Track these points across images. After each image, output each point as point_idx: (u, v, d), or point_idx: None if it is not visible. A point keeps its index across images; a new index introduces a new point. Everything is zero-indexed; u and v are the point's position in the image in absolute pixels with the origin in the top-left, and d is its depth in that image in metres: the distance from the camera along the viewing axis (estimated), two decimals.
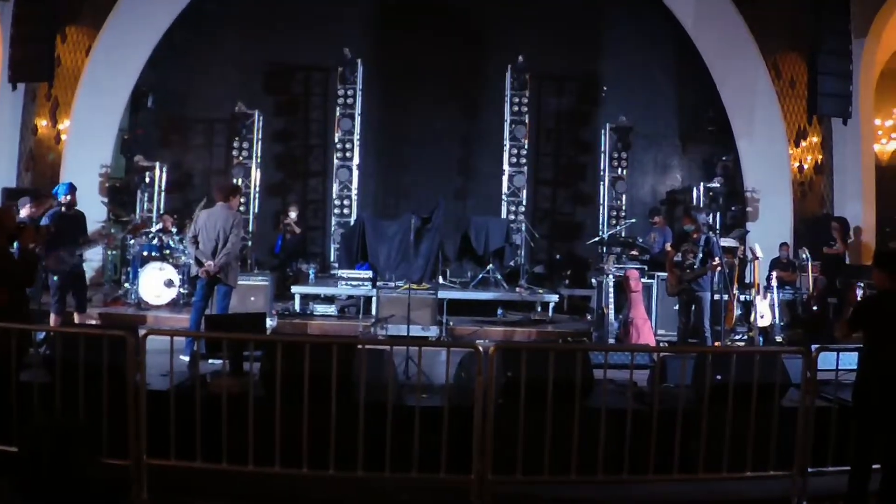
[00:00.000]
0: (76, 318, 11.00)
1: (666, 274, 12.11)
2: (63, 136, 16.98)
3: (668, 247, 12.40)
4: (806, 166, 17.51)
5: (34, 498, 6.20)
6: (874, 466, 6.42)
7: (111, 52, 16.73)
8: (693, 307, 11.21)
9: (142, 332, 6.83)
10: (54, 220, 10.73)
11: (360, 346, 7.38)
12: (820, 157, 17.56)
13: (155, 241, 14.78)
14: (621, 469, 6.69)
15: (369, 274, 14.68)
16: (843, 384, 7.22)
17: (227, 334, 7.89)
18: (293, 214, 17.17)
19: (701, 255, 11.09)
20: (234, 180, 16.75)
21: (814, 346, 7.06)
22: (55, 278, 10.74)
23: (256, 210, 17.88)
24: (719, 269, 11.18)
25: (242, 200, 16.89)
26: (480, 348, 6.74)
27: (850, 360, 6.93)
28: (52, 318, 10.69)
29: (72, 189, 11.11)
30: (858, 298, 7.21)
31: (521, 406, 6.65)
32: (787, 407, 7.11)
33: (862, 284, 8.83)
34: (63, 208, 10.94)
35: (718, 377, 7.11)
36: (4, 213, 8.03)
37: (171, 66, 17.79)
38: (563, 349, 7.94)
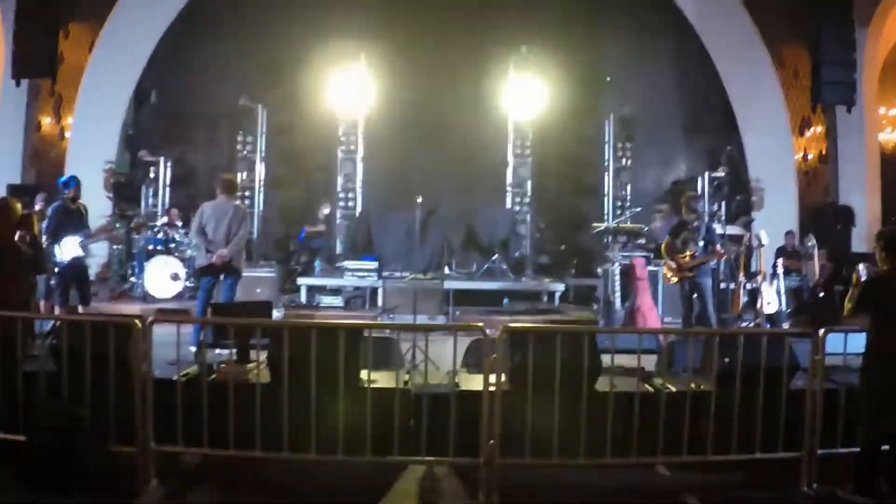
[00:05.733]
0: (80, 311, 10.94)
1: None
2: (67, 133, 16.93)
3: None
4: (810, 155, 17.46)
5: (41, 486, 6.20)
6: (883, 448, 6.40)
7: (114, 48, 16.70)
8: (695, 295, 11.16)
9: (148, 319, 6.80)
10: (58, 213, 10.68)
11: (366, 332, 7.33)
12: (824, 146, 17.50)
13: (160, 236, 14.79)
14: (630, 452, 6.66)
15: (375, 265, 14.64)
16: (851, 368, 7.18)
17: (234, 320, 7.88)
18: (327, 210, 17.10)
19: (702, 243, 11.05)
20: (239, 174, 16.70)
21: (821, 329, 7.02)
22: (57, 271, 10.68)
23: (262, 204, 17.86)
24: (724, 256, 11.18)
25: (247, 194, 16.91)
26: (488, 331, 6.72)
27: (857, 342, 6.87)
28: (57, 311, 10.63)
29: (77, 183, 11.05)
30: (862, 279, 7.12)
31: (529, 390, 6.64)
32: (795, 390, 7.08)
33: (866, 264, 8.78)
34: (67, 202, 10.87)
35: (726, 360, 7.08)
36: (9, 205, 8.00)
37: (173, 62, 17.77)
38: (571, 331, 7.88)
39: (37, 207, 12.24)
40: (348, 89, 17.03)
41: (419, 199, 14.91)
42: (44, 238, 10.18)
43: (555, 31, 17.89)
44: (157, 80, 17.80)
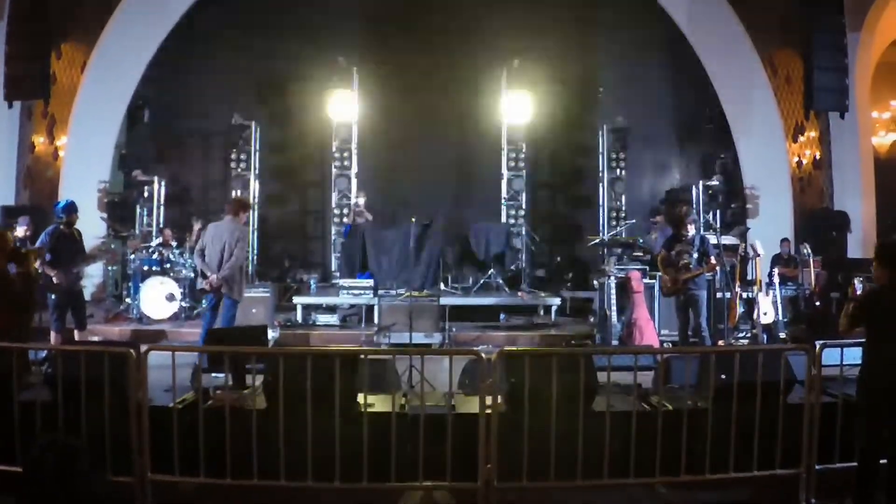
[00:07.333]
0: (76, 335, 10.86)
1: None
2: (61, 153, 16.97)
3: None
4: (804, 161, 17.48)
5: None
6: (881, 461, 6.38)
7: (106, 67, 16.75)
8: (690, 307, 11.16)
9: (143, 347, 6.79)
10: (53, 237, 10.61)
11: (362, 357, 7.32)
12: (818, 151, 17.53)
13: (155, 256, 14.77)
14: (627, 472, 6.64)
15: (370, 283, 14.64)
16: (847, 379, 7.17)
17: (228, 348, 7.85)
18: (362, 201, 16.99)
19: (696, 255, 11.05)
20: (233, 192, 16.75)
21: (818, 343, 7.01)
22: (53, 297, 10.64)
23: (256, 221, 17.87)
24: (718, 267, 11.18)
25: None
26: (483, 355, 6.71)
27: (854, 355, 6.86)
28: (53, 336, 10.57)
29: (74, 208, 10.98)
30: (857, 292, 7.12)
31: (526, 411, 6.62)
32: (792, 404, 7.05)
33: (861, 278, 8.80)
34: (62, 226, 10.80)
35: (723, 376, 7.07)
36: (3, 235, 7.97)
37: (166, 80, 17.87)
38: (566, 353, 7.87)
39: (19, 232, 12.22)
40: (341, 105, 17.11)
41: (413, 220, 14.93)
42: (38, 263, 10.07)
43: (546, 44, 17.92)
44: (149, 99, 17.85)
